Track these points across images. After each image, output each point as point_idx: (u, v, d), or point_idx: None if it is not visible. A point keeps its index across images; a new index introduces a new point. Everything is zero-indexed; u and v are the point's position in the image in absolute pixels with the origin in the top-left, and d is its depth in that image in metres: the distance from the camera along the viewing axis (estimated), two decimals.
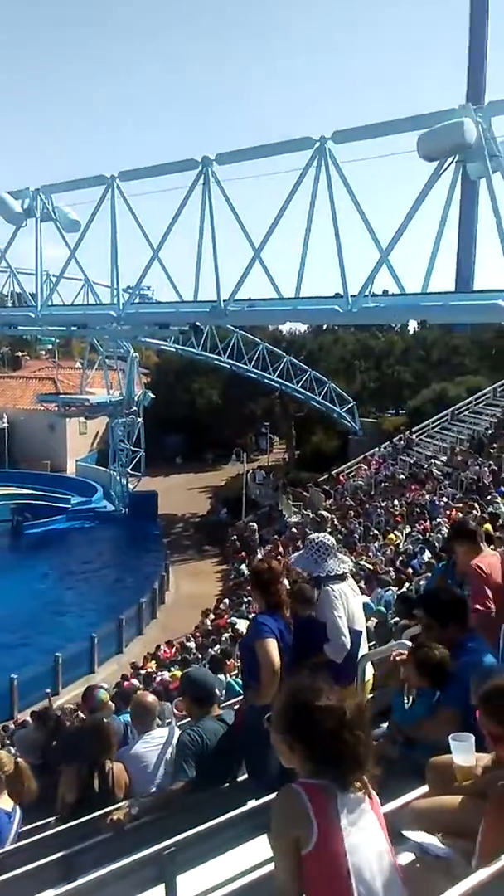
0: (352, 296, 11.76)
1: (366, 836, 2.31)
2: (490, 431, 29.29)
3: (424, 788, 3.44)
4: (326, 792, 2.31)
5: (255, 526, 32.56)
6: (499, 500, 18.21)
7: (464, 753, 3.14)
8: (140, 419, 39.82)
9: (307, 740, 2.38)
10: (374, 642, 7.96)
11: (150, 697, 6.14)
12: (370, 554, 20.69)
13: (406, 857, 2.78)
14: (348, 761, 2.33)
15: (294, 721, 2.42)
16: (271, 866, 3.08)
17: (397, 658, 4.42)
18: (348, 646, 4.87)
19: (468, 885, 2.13)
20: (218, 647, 16.53)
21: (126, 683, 16.33)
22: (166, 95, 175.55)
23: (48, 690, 15.98)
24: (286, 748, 2.44)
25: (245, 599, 22.18)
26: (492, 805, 2.49)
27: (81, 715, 10.45)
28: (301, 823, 2.26)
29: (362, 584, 15.54)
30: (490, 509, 17.16)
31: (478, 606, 4.70)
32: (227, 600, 24.73)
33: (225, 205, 13.24)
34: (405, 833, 2.70)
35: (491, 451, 25.61)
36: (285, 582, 5.65)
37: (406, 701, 4.22)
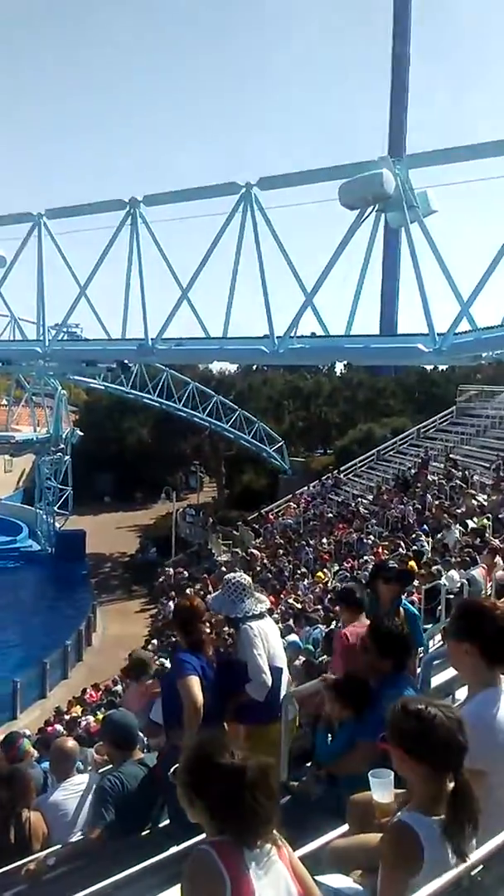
0: (278, 337, 12.02)
1: (277, 888, 2.29)
2: (414, 471, 29.97)
3: (346, 826, 3.44)
4: (234, 847, 2.27)
5: (171, 570, 32.32)
6: (422, 538, 18.57)
7: (382, 790, 3.13)
8: (68, 457, 39.26)
9: (205, 797, 2.34)
10: (298, 681, 7.94)
11: (70, 743, 5.96)
12: (299, 592, 20.76)
13: None
14: (247, 822, 2.29)
15: (193, 776, 2.38)
16: None
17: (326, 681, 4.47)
18: (269, 683, 4.86)
19: None
20: None
21: (49, 729, 15.85)
22: (91, 137, 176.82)
23: None
24: (188, 802, 2.40)
25: (175, 639, 21.86)
26: (385, 843, 2.51)
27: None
28: (214, 884, 2.21)
29: (291, 622, 15.57)
30: (414, 547, 17.47)
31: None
32: (155, 641, 24.30)
33: (153, 244, 13.43)
34: (317, 878, 2.69)
35: (415, 490, 26.18)
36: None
37: (328, 738, 4.24)
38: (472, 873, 2.38)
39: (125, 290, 13.97)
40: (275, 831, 2.39)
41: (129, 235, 13.30)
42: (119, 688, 19.03)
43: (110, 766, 5.66)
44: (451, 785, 2.43)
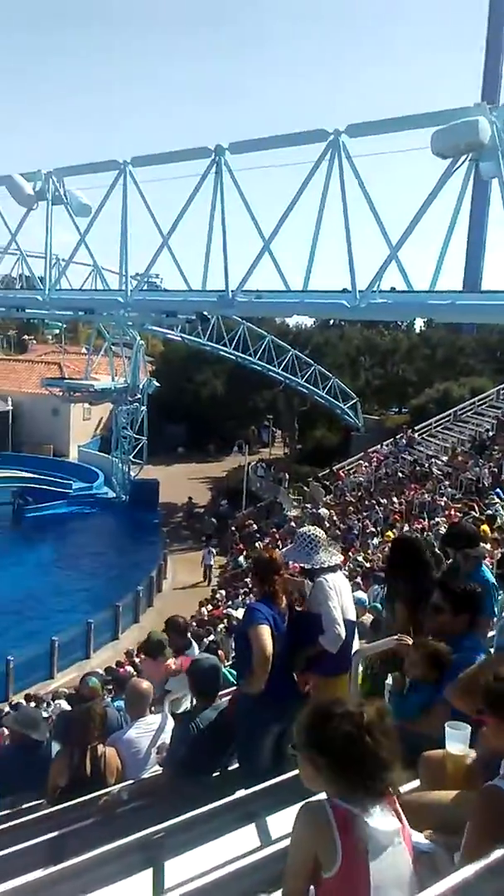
0: (360, 291, 11.75)
1: (393, 871, 2.25)
2: (491, 433, 29.24)
3: (414, 783, 3.44)
4: (356, 819, 2.22)
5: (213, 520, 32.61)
6: (497, 502, 18.20)
7: (458, 742, 3.15)
8: (143, 407, 39.75)
9: (328, 750, 2.28)
10: (366, 638, 7.95)
11: (145, 684, 6.14)
12: (368, 551, 20.72)
13: None
14: (371, 766, 2.23)
15: (312, 732, 2.34)
16: (258, 856, 3.10)
17: (399, 644, 4.41)
18: (343, 636, 4.87)
19: (453, 881, 2.13)
20: (211, 636, 16.58)
21: (122, 670, 16.42)
22: (176, 85, 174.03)
23: None
24: (311, 766, 2.33)
25: (242, 591, 22.21)
26: (476, 807, 2.48)
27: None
28: (324, 842, 2.19)
29: (359, 580, 15.59)
30: (488, 511, 17.15)
31: None
32: (223, 591, 24.76)
33: (236, 194, 13.23)
34: None
35: (492, 453, 25.58)
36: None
37: (401, 695, 4.20)
38: None
39: (207, 240, 13.86)
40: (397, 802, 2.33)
41: (212, 184, 13.15)
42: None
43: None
44: None
